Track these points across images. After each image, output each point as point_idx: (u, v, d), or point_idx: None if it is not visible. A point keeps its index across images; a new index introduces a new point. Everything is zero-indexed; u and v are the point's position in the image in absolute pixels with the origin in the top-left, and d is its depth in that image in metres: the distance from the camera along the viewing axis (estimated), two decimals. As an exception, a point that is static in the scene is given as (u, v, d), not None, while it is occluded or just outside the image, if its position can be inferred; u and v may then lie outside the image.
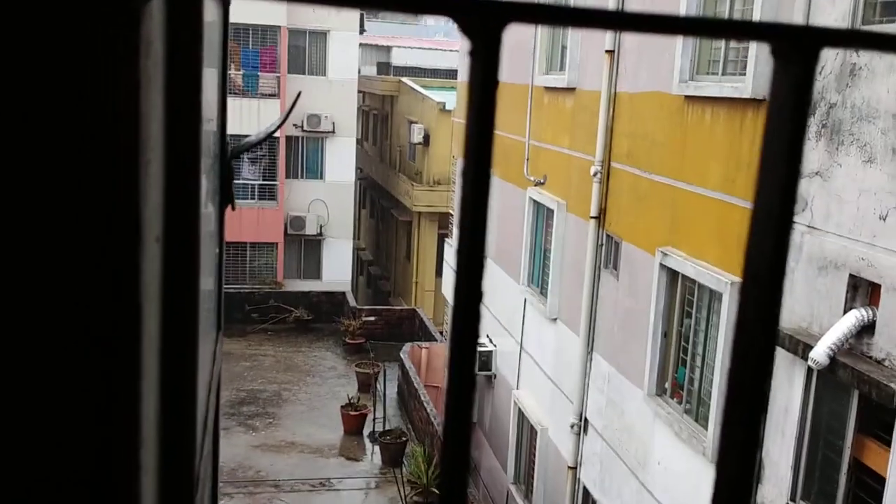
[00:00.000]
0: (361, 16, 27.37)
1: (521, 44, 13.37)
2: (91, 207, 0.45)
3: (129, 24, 0.44)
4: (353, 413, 17.51)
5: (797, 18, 6.77)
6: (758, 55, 7.30)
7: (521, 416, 13.24)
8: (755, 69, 7.31)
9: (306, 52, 26.23)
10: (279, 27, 25.22)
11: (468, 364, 0.44)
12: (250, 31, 25.27)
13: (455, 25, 0.43)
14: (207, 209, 1.25)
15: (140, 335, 0.48)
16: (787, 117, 0.43)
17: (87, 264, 0.46)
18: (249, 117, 24.74)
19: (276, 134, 25.17)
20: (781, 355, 6.91)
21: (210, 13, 1.20)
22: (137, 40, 0.44)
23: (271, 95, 25.36)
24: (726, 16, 8.11)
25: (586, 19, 0.44)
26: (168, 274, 0.61)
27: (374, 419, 17.34)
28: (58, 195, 0.45)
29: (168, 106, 0.59)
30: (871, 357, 6.02)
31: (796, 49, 0.43)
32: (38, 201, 0.46)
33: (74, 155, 0.44)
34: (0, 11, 0.43)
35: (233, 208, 1.45)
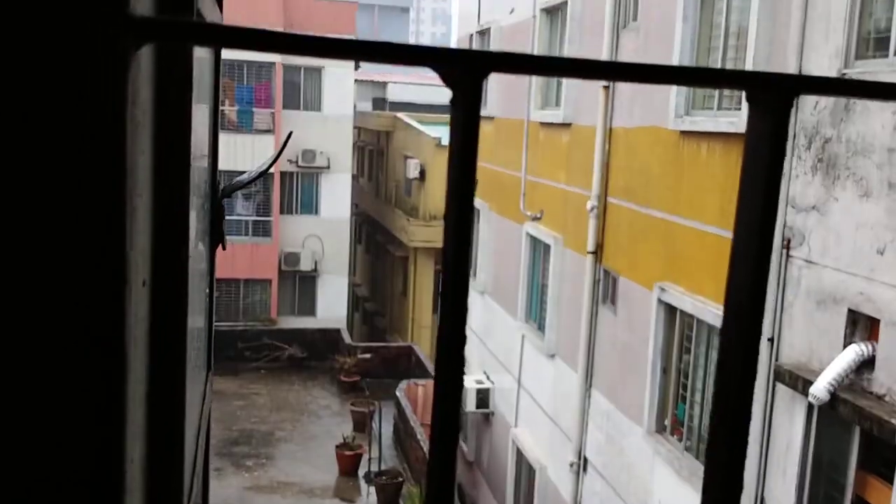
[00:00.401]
0: (357, 53, 27.58)
1: (516, 80, 13.47)
2: (76, 254, 0.44)
3: (117, 74, 0.43)
4: (347, 453, 17.31)
5: (791, 56, 6.82)
6: (752, 91, 7.34)
7: (520, 455, 13.09)
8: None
9: (301, 88, 26.41)
10: (274, 63, 25.43)
11: (453, 402, 0.43)
12: (245, 67, 25.47)
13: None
14: (198, 248, 1.22)
15: (125, 380, 0.46)
16: (763, 162, 0.44)
17: (72, 310, 0.46)
18: (244, 153, 24.82)
19: (271, 170, 25.24)
20: (782, 391, 6.85)
21: (201, 51, 1.18)
22: (125, 89, 0.43)
23: (266, 131, 25.47)
24: (720, 54, 8.18)
25: (563, 68, 0.45)
26: (156, 317, 0.58)
27: (369, 459, 17.14)
28: (44, 241, 0.45)
29: (157, 150, 0.56)
30: (871, 392, 5.96)
31: (771, 96, 0.44)
32: (25, 247, 0.45)
33: (60, 201, 0.43)
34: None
35: (223, 248, 1.41)
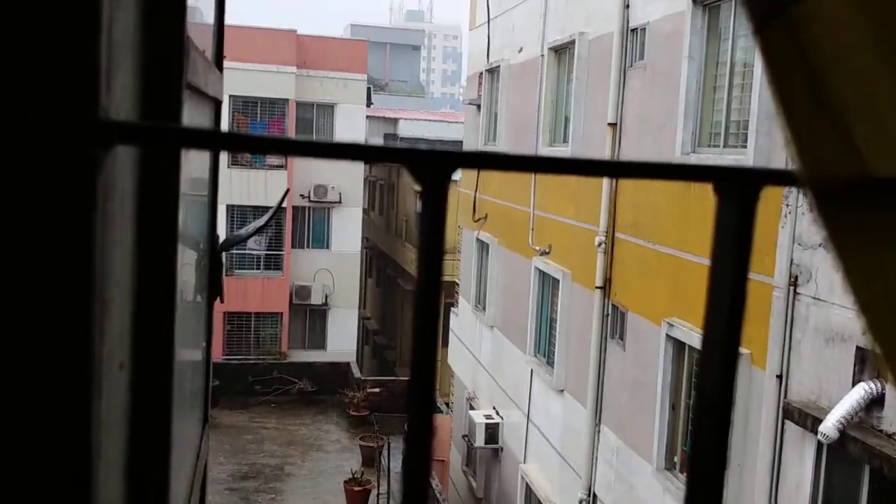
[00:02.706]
0: (368, 89, 27.89)
1: (525, 116, 13.58)
2: (40, 342, 0.45)
3: (85, 176, 0.45)
4: (356, 488, 17.19)
5: None
6: (758, 128, 7.39)
7: (529, 491, 12.98)
8: (756, 141, 7.39)
9: (314, 124, 26.65)
10: (287, 100, 25.70)
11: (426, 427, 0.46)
12: (258, 104, 25.74)
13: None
14: (195, 303, 1.26)
15: (91, 463, 0.47)
16: (732, 251, 0.46)
17: (36, 405, 0.46)
18: (257, 188, 25.01)
19: (284, 205, 25.40)
20: (791, 429, 6.80)
21: (199, 116, 1.22)
22: (93, 190, 0.45)
23: (278, 167, 25.68)
24: (725, 92, 8.24)
25: (527, 164, 0.48)
26: (137, 397, 0.60)
27: (378, 495, 17.01)
28: (11, 339, 0.45)
29: (140, 236, 0.59)
30: (881, 431, 5.92)
31: (738, 188, 0.46)
32: None
33: (26, 298, 0.45)
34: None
35: (221, 301, 1.45)
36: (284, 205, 25.37)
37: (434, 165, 0.45)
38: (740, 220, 0.47)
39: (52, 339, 0.45)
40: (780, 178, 0.51)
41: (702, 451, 0.49)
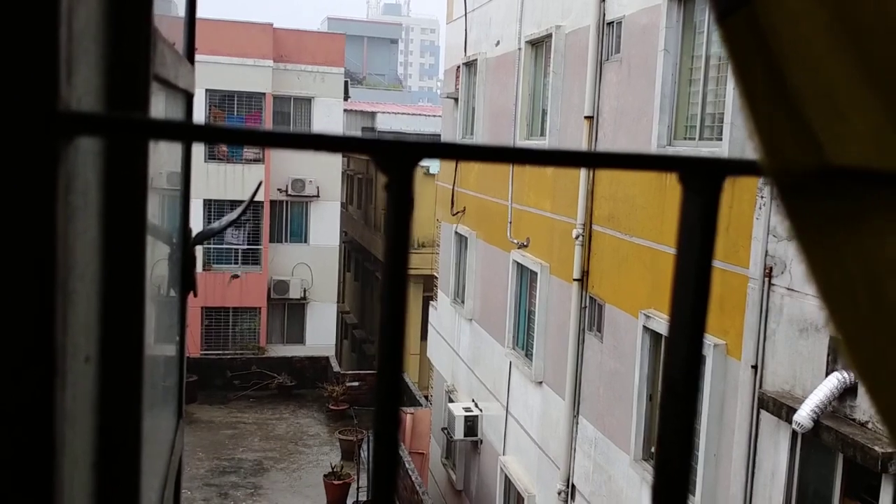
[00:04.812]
0: (346, 82, 27.78)
1: (503, 109, 13.60)
2: (0, 332, 0.44)
3: (47, 164, 0.44)
4: (336, 482, 17.18)
5: None
6: (733, 121, 7.45)
7: (508, 483, 13.04)
8: (731, 133, 7.45)
9: (291, 118, 26.52)
10: (264, 94, 25.55)
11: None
12: (235, 98, 25.57)
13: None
14: (168, 297, 1.25)
15: (55, 454, 0.47)
16: (697, 240, 0.46)
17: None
18: (234, 182, 24.86)
19: (261, 199, 25.28)
20: (766, 418, 6.88)
21: (171, 110, 1.21)
22: (54, 178, 0.44)
23: (255, 161, 25.53)
24: (701, 85, 8.30)
25: (489, 154, 0.48)
26: (106, 390, 0.60)
27: (357, 488, 17.01)
28: None
29: (107, 226, 0.59)
30: (854, 419, 6.00)
31: (702, 179, 0.46)
32: None
33: None
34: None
35: (195, 295, 1.44)
36: (261, 198, 25.25)
37: (399, 156, 0.45)
38: (704, 208, 0.48)
39: (12, 330, 0.44)
40: (742, 168, 0.52)
41: (668, 433, 0.50)
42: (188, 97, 1.42)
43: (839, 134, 0.47)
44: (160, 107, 1.10)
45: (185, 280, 1.38)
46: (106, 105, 0.65)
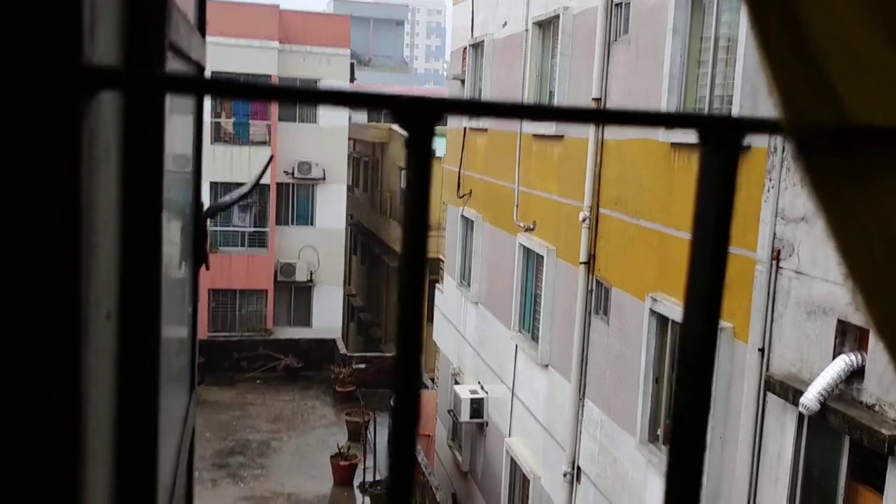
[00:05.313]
0: (352, 64, 27.69)
1: (509, 91, 13.54)
2: (27, 292, 0.45)
3: (72, 117, 0.45)
4: (343, 463, 17.29)
5: None
6: (742, 102, 7.41)
7: (514, 465, 13.09)
8: (740, 115, 7.40)
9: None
10: (270, 76, 25.48)
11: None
12: (241, 79, 25.49)
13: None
14: (181, 270, 1.25)
15: (80, 408, 0.48)
16: (715, 199, 0.46)
17: (22, 348, 0.46)
18: (240, 164, 24.86)
19: (268, 182, 25.29)
20: (773, 401, 6.88)
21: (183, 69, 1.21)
22: (79, 132, 0.45)
23: (262, 143, 25.52)
24: (710, 66, 8.25)
25: (509, 111, 0.48)
26: (125, 349, 0.60)
27: (364, 469, 17.12)
28: None
29: (126, 186, 0.59)
30: (861, 402, 6.00)
31: (721, 137, 0.46)
32: None
33: (9, 242, 0.45)
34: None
35: (206, 268, 1.45)
36: (268, 181, 25.25)
37: (419, 112, 0.45)
38: (723, 167, 0.47)
39: (39, 281, 0.45)
40: (762, 126, 0.51)
41: (684, 404, 0.49)
42: (200, 70, 1.42)
43: (858, 92, 0.47)
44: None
45: (197, 253, 1.38)
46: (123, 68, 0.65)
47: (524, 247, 12.83)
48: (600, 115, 0.49)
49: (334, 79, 26.60)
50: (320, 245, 26.73)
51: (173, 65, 0.98)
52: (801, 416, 6.48)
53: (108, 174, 0.53)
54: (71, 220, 0.44)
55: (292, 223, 26.83)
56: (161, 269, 0.67)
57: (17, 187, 0.44)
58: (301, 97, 0.48)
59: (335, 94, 0.48)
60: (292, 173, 26.15)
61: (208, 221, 1.57)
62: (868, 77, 0.45)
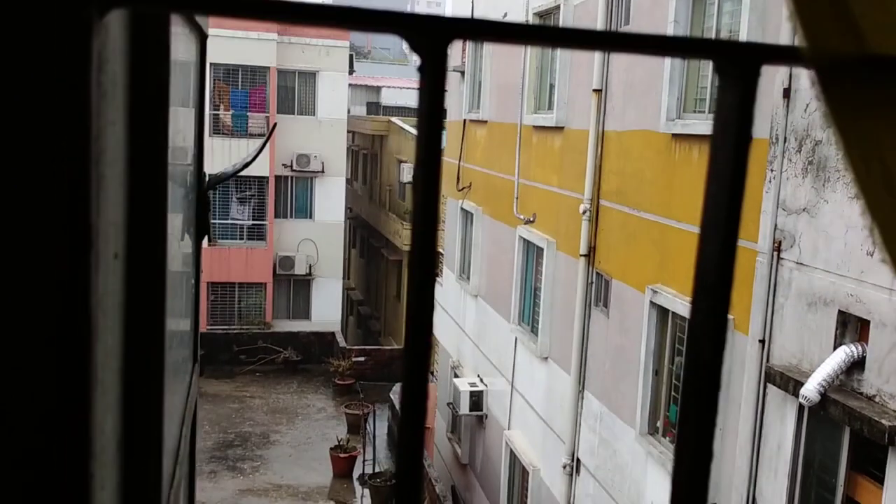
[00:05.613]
0: (351, 56, 27.62)
1: (510, 83, 13.51)
2: (37, 216, 0.44)
3: (80, 37, 0.43)
4: (342, 455, 17.30)
5: (784, 32, 6.81)
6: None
7: (513, 457, 13.10)
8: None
9: (295, 93, 26.42)
10: (268, 68, 25.43)
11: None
12: (240, 72, 25.47)
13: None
14: (184, 240, 1.24)
15: (90, 346, 0.46)
16: (732, 132, 0.44)
17: (32, 272, 0.44)
18: (239, 157, 24.79)
19: (266, 174, 25.25)
20: (773, 392, 6.88)
21: (185, 50, 1.19)
22: (89, 54, 0.43)
23: (261, 135, 25.47)
24: (708, 87, 8.22)
25: (526, 35, 0.46)
26: (131, 291, 0.59)
27: (363, 461, 17.13)
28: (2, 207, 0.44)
29: (131, 122, 0.57)
30: (861, 393, 6.00)
31: (738, 66, 0.44)
32: None
33: (21, 168, 0.43)
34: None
35: (209, 241, 1.43)
36: (266, 173, 25.22)
37: (433, 33, 0.43)
38: (741, 97, 0.46)
39: (50, 202, 0.43)
40: (780, 53, 0.49)
41: (694, 374, 0.48)
42: (202, 39, 1.40)
43: (880, 21, 0.45)
44: (177, 42, 1.08)
45: (200, 224, 1.37)
46: (130, 15, 0.64)
47: (524, 239, 12.81)
48: (613, 40, 0.47)
49: (333, 70, 26.56)
50: (319, 238, 26.72)
51: (177, 30, 0.96)
52: (801, 407, 6.48)
53: (114, 110, 0.51)
54: (80, 139, 0.43)
55: (291, 216, 26.82)
56: (167, 204, 0.66)
57: (27, 104, 0.43)
58: (308, 16, 0.45)
59: (341, 13, 0.46)
60: (291, 166, 26.13)
61: (210, 194, 1.56)
62: (893, 12, 0.44)
